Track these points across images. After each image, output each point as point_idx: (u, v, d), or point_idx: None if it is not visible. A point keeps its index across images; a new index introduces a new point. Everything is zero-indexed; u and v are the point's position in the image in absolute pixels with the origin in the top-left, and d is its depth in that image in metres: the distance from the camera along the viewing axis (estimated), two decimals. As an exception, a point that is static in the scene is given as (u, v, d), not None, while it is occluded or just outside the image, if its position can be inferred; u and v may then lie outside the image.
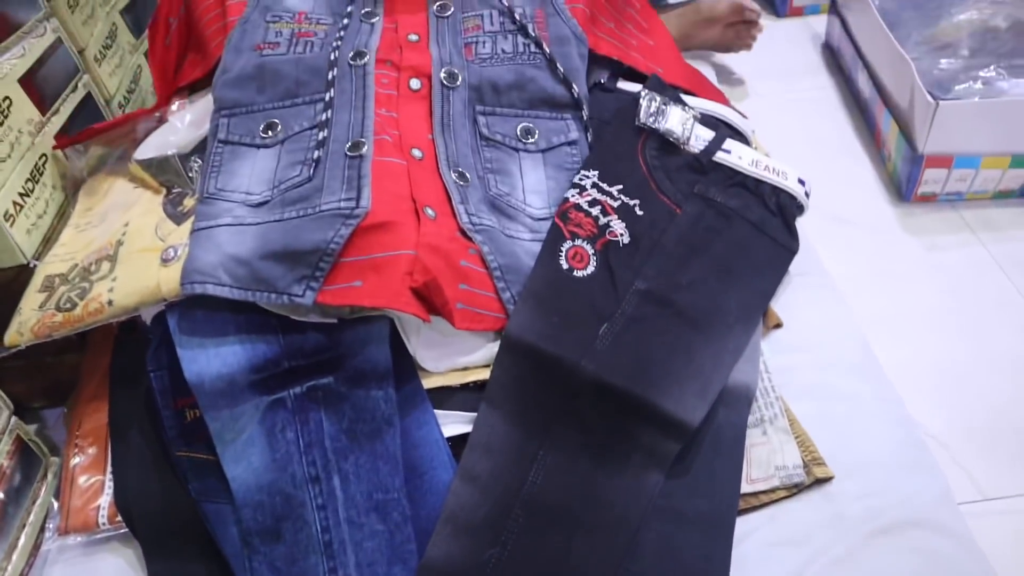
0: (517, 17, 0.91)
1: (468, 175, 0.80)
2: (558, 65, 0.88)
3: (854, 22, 1.44)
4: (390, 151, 0.78)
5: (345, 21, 0.90)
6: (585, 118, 0.87)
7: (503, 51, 0.89)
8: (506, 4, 0.93)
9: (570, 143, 0.86)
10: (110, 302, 0.72)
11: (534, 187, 0.83)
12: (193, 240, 0.73)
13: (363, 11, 0.92)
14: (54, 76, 0.97)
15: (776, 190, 0.82)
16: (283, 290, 0.69)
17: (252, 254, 0.71)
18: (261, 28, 0.91)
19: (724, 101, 1.00)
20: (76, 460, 0.79)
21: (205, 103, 0.87)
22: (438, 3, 0.93)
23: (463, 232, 0.74)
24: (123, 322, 0.77)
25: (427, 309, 0.69)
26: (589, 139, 0.86)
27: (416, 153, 0.80)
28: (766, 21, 1.42)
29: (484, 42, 0.90)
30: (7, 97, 0.87)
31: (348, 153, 0.77)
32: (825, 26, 1.59)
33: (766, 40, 1.41)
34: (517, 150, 0.85)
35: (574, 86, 0.87)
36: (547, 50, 0.89)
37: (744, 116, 0.93)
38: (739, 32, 1.36)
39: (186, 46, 1.01)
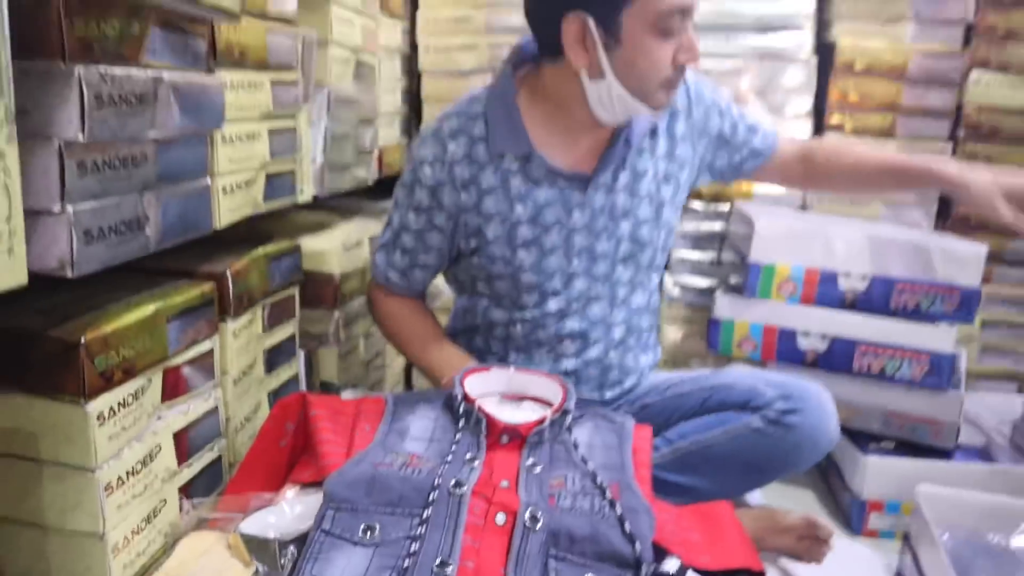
0: (598, 481, 1.15)
1: None
2: (626, 525, 1.08)
3: (925, 562, 1.57)
4: None
5: (449, 458, 1.16)
6: None
7: (582, 507, 1.11)
8: (590, 468, 1.17)
9: None
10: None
11: None
12: None
13: (467, 456, 1.18)
14: (200, 435, 1.21)
15: None
16: None
17: None
18: (381, 454, 1.17)
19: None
20: None
21: (316, 500, 1.07)
22: (531, 460, 1.19)
23: None
24: None
25: None
26: None
27: None
28: (840, 538, 1.57)
29: (566, 497, 1.13)
30: (159, 445, 1.10)
31: (435, 569, 0.98)
32: (898, 555, 1.73)
33: (838, 557, 1.56)
34: None
35: (637, 543, 1.06)
36: (619, 511, 1.10)
37: None
38: (809, 547, 1.54)
39: (301, 450, 1.26)
